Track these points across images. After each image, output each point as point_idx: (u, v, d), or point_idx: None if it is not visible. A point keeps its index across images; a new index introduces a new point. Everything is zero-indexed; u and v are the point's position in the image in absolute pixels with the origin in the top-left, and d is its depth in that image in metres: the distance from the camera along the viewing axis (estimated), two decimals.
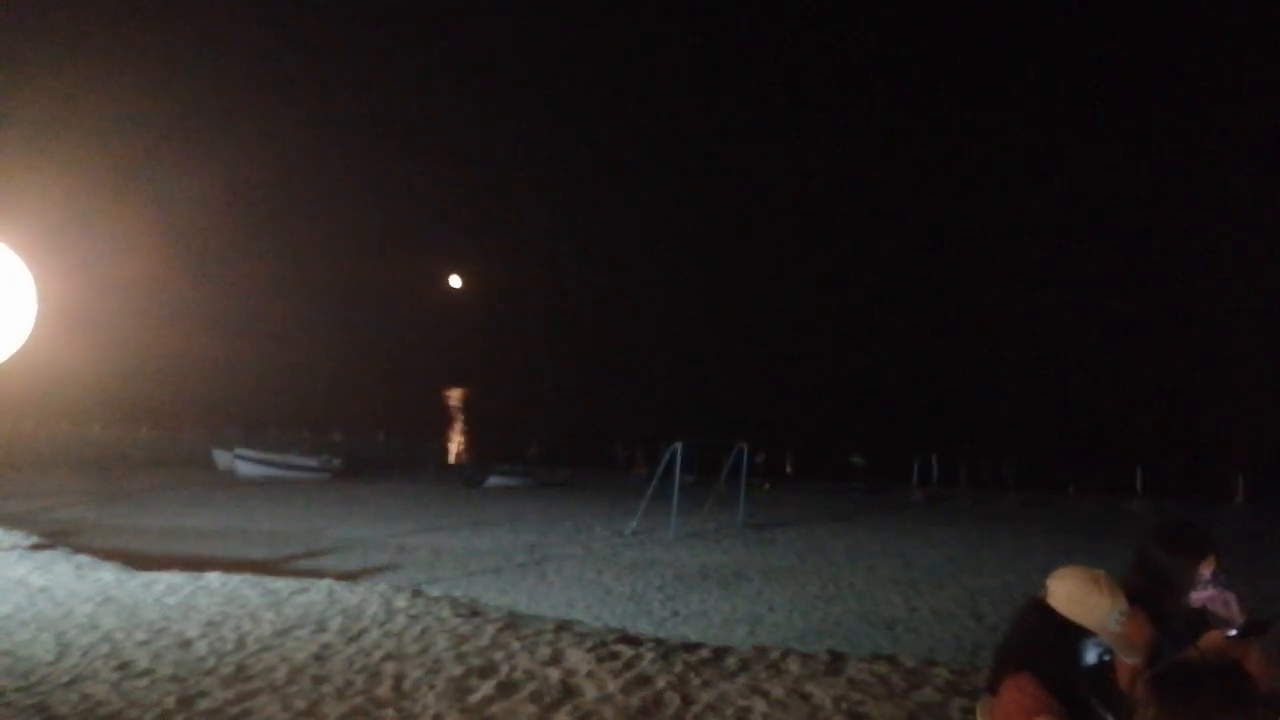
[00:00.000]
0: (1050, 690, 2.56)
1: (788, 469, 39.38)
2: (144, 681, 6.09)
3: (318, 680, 6.09)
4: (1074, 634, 2.60)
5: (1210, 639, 2.96)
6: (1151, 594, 3.15)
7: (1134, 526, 20.67)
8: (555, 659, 6.61)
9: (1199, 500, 28.87)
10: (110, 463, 33.79)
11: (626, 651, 6.83)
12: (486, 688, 5.88)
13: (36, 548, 11.59)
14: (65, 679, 6.17)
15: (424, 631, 7.43)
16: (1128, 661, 2.70)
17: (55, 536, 13.57)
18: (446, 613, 8.19)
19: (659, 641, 7.51)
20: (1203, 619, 3.21)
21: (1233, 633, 3.01)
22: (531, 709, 5.46)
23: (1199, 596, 3.26)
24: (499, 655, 6.70)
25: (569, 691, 5.84)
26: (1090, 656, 2.62)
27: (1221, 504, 28.38)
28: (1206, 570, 3.29)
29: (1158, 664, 2.61)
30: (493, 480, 29.94)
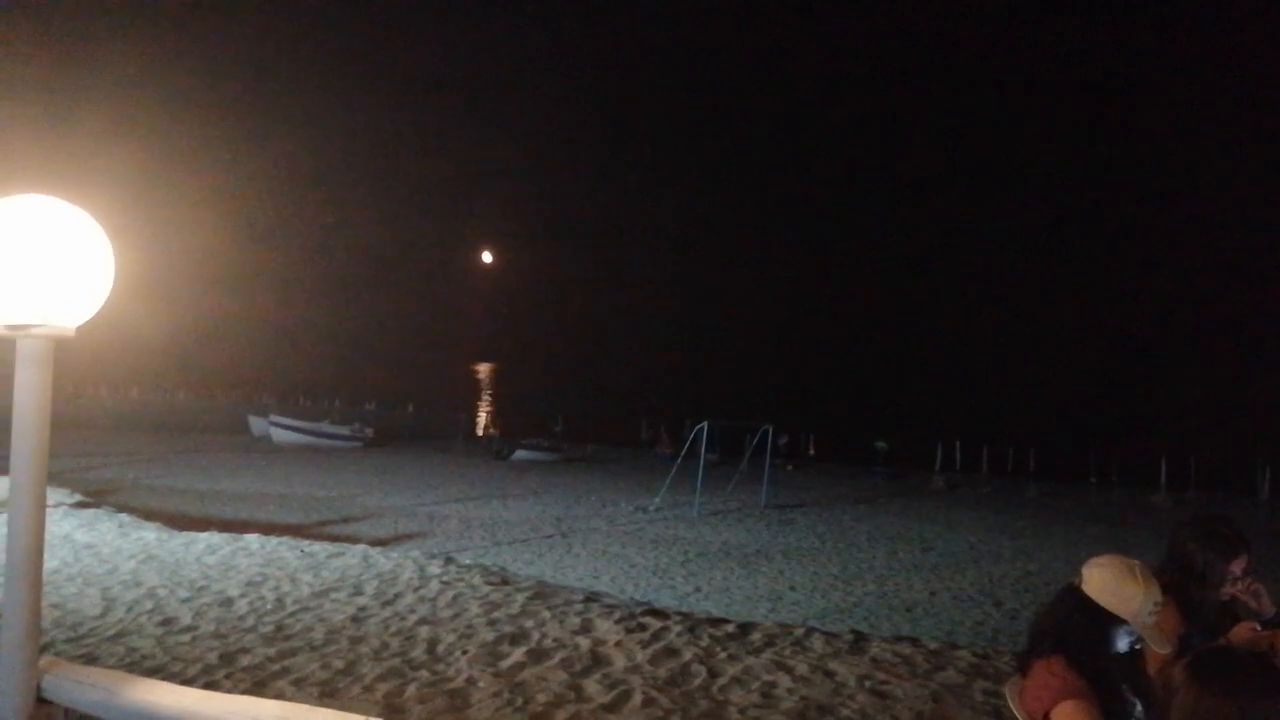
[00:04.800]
0: (1081, 674, 2.65)
1: (810, 451, 39.38)
2: (187, 637, 6.30)
3: (355, 641, 6.28)
4: (1107, 621, 2.68)
5: (1240, 631, 3.04)
6: (1182, 586, 3.23)
7: (1156, 519, 20.61)
8: (585, 628, 6.77)
9: (1223, 494, 28.64)
10: (147, 426, 34.37)
11: (654, 624, 6.98)
12: (518, 654, 6.05)
13: (80, 505, 11.93)
14: (111, 632, 6.40)
15: (456, 598, 7.62)
16: (1159, 651, 2.78)
17: (97, 495, 13.92)
18: (478, 580, 8.38)
19: (685, 615, 7.66)
20: (1232, 611, 3.29)
21: (1260, 625, 3.10)
22: (562, 675, 5.61)
23: (1228, 590, 3.34)
24: (529, 623, 6.87)
25: (598, 660, 6.00)
26: (1122, 644, 2.70)
27: (1246, 498, 28.15)
28: (1238, 567, 3.37)
29: (1187, 654, 2.69)
30: (520, 453, 30.19)
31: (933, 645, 6.89)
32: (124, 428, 32.56)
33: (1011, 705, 2.92)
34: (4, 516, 8.73)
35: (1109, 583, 2.69)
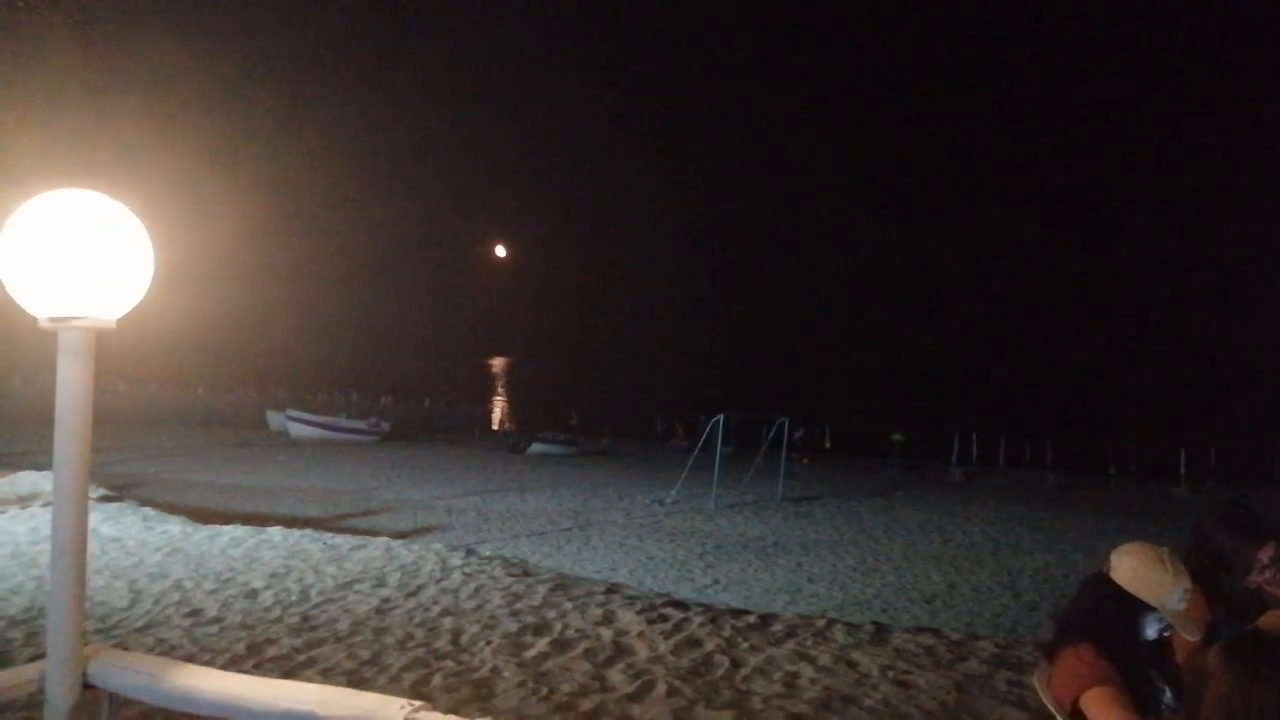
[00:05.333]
0: (1110, 661, 2.65)
1: (827, 444, 39.33)
2: (214, 629, 6.37)
3: (379, 632, 6.33)
4: (1135, 608, 2.68)
5: (1269, 618, 3.04)
6: (1209, 574, 3.23)
7: (1175, 511, 20.50)
8: (607, 619, 6.80)
9: (1241, 485, 28.43)
10: (166, 420, 34.67)
11: (675, 614, 7.01)
12: (541, 644, 6.08)
13: (105, 499, 12.07)
14: (140, 623, 6.48)
15: (479, 589, 7.67)
16: (1188, 639, 2.78)
17: (120, 489, 14.06)
18: (500, 572, 8.43)
19: (706, 606, 7.69)
20: (1259, 599, 3.29)
21: None
22: (586, 666, 5.65)
23: (1256, 578, 3.34)
24: (552, 614, 6.91)
25: (621, 650, 6.03)
26: (1150, 631, 2.70)
27: (1265, 489, 27.95)
28: (1265, 555, 3.36)
29: (1216, 642, 2.69)
30: (536, 447, 30.29)
31: (954, 636, 6.88)
32: (144, 422, 32.83)
33: (1040, 693, 2.93)
34: (33, 509, 8.77)
35: (1138, 570, 2.69)
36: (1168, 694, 2.71)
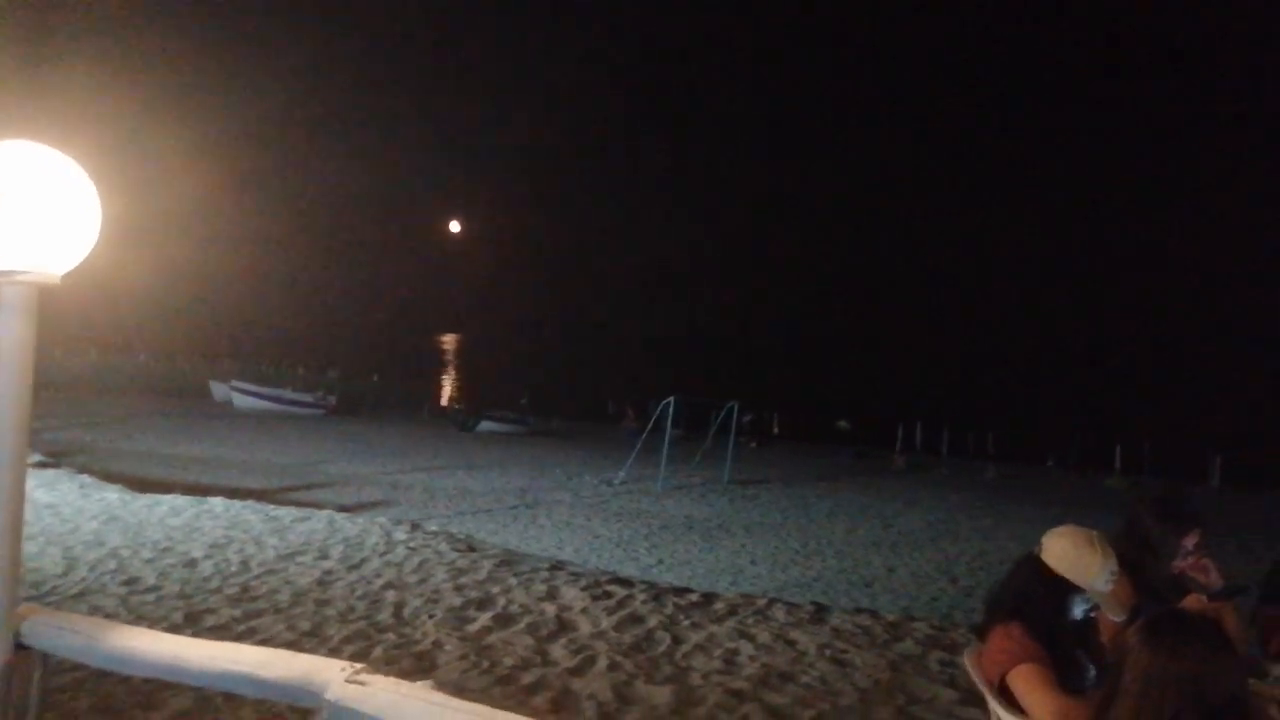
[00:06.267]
0: (1037, 640, 2.74)
1: (775, 429, 39.70)
2: (151, 597, 6.28)
3: (321, 604, 6.29)
4: (1064, 589, 2.78)
5: (1189, 603, 3.16)
6: (1136, 559, 3.35)
7: (1111, 502, 21.05)
8: (551, 595, 6.83)
9: (1175, 480, 29.29)
10: (107, 388, 33.87)
11: (619, 591, 7.06)
12: (484, 619, 6.09)
13: (41, 465, 11.79)
14: (74, 591, 6.36)
15: (423, 563, 7.65)
16: (1114, 619, 2.88)
17: (57, 456, 13.73)
18: (444, 547, 8.41)
19: (649, 584, 7.76)
20: (1182, 585, 3.42)
21: (1208, 598, 3.22)
22: (528, 640, 5.67)
23: (1180, 564, 3.47)
24: (496, 589, 6.92)
25: (564, 626, 6.06)
26: (1077, 611, 2.80)
27: (1197, 485, 28.83)
28: (1190, 542, 3.50)
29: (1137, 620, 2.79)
30: (485, 425, 30.16)
31: (891, 617, 7.03)
32: (83, 388, 32.05)
33: (970, 670, 3.02)
34: None
35: (1068, 551, 2.78)
36: (1092, 671, 2.81)
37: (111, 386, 34.88)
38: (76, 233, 1.77)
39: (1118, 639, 2.88)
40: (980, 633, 2.99)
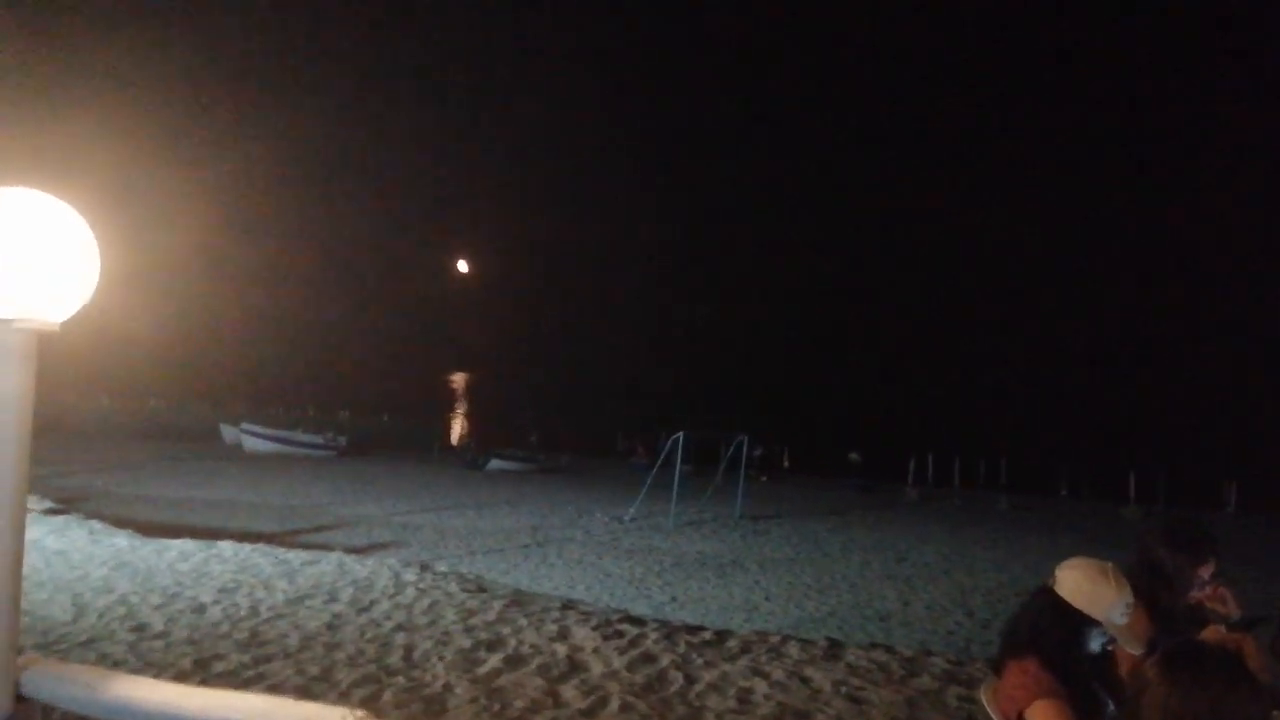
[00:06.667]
0: (1054, 675, 2.68)
1: (785, 463, 39.48)
2: (160, 644, 6.24)
3: (330, 648, 6.24)
4: (1080, 622, 2.72)
5: (1208, 634, 3.10)
6: (1151, 590, 3.28)
7: (1126, 532, 20.83)
8: (561, 635, 6.77)
9: (1191, 507, 28.98)
10: (117, 432, 33.97)
11: (631, 630, 6.99)
12: (495, 660, 6.04)
13: (51, 512, 11.79)
14: (83, 638, 6.32)
15: (433, 605, 7.60)
16: (1132, 652, 2.82)
17: (67, 502, 13.73)
18: (454, 588, 8.35)
19: (662, 622, 7.68)
20: (1200, 615, 3.36)
21: (1227, 628, 3.16)
22: (539, 682, 5.61)
23: (1197, 594, 3.41)
24: (506, 630, 6.86)
25: (575, 666, 6.00)
26: (1094, 645, 2.74)
27: (1213, 511, 28.53)
28: (1205, 572, 3.44)
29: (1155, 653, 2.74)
30: (495, 463, 30.07)
31: (907, 652, 6.94)
32: (93, 434, 32.13)
33: (986, 706, 2.96)
34: None
35: (1082, 583, 2.73)
36: (1111, 707, 2.74)
37: (122, 431, 34.97)
38: (75, 280, 1.77)
39: (1135, 672, 2.82)
40: (996, 667, 2.94)
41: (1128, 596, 2.72)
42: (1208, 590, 3.43)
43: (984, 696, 3.00)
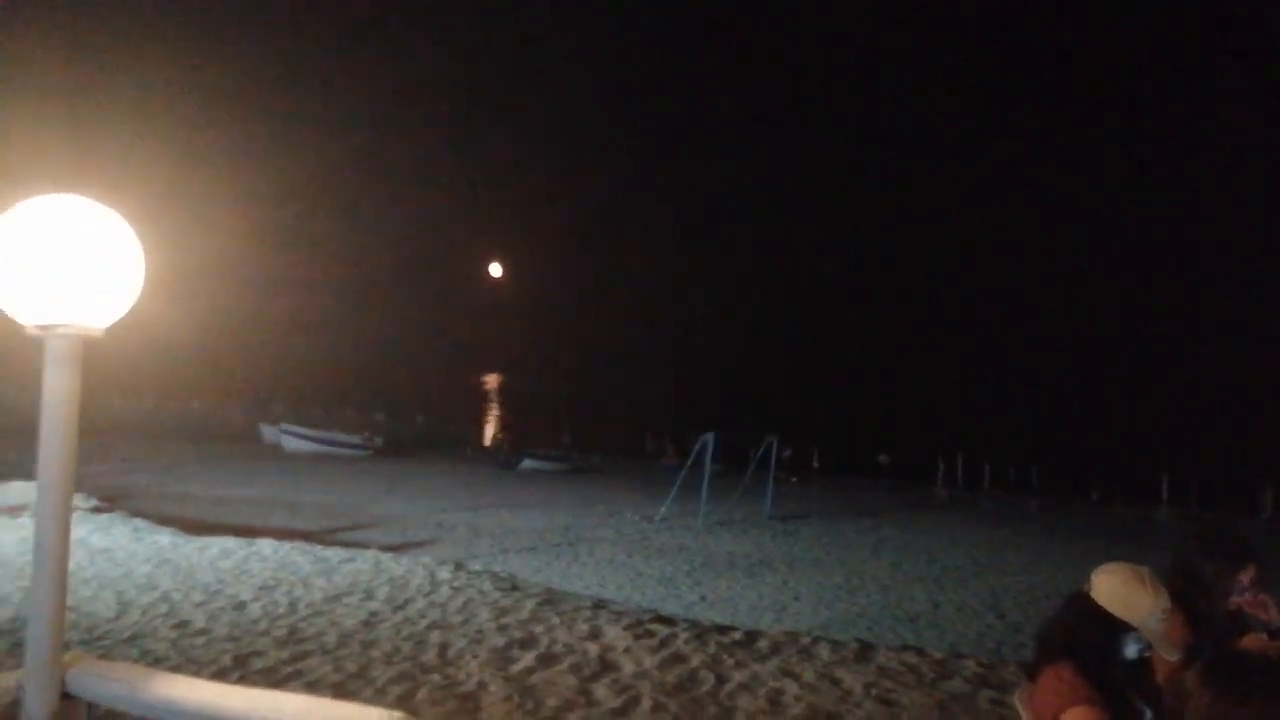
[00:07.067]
0: (1090, 681, 2.66)
1: (815, 464, 39.30)
2: (201, 640, 6.35)
3: (366, 645, 6.32)
4: (1115, 628, 2.69)
5: (1249, 641, 3.06)
6: (1190, 597, 3.24)
7: (1159, 535, 20.53)
8: (593, 634, 6.80)
9: (1224, 511, 28.50)
10: (160, 432, 34.55)
11: (662, 630, 7.01)
12: (528, 658, 6.08)
13: (96, 510, 12.04)
14: (126, 635, 6.45)
15: (467, 603, 7.66)
16: (1168, 658, 2.79)
17: (111, 501, 13.99)
18: (488, 586, 8.42)
19: (692, 622, 7.69)
20: (1240, 622, 3.31)
21: (1269, 635, 3.11)
22: (571, 680, 5.64)
23: (1236, 600, 3.36)
24: (539, 628, 6.90)
25: (607, 665, 6.02)
26: (1130, 651, 2.71)
27: (1249, 516, 28.02)
28: (1245, 578, 3.39)
29: (1196, 663, 2.71)
30: (527, 463, 30.21)
31: (938, 655, 6.89)
32: (137, 433, 32.68)
33: (1021, 711, 2.94)
34: (23, 519, 8.71)
35: (1118, 589, 2.70)
36: (1148, 714, 2.71)
37: (166, 431, 35.54)
38: (120, 286, 1.80)
39: (1173, 679, 2.79)
40: (1030, 672, 2.92)
41: (1164, 602, 2.69)
42: (1248, 596, 3.38)
43: (1018, 702, 2.98)
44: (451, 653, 6.17)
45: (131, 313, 1.87)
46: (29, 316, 1.69)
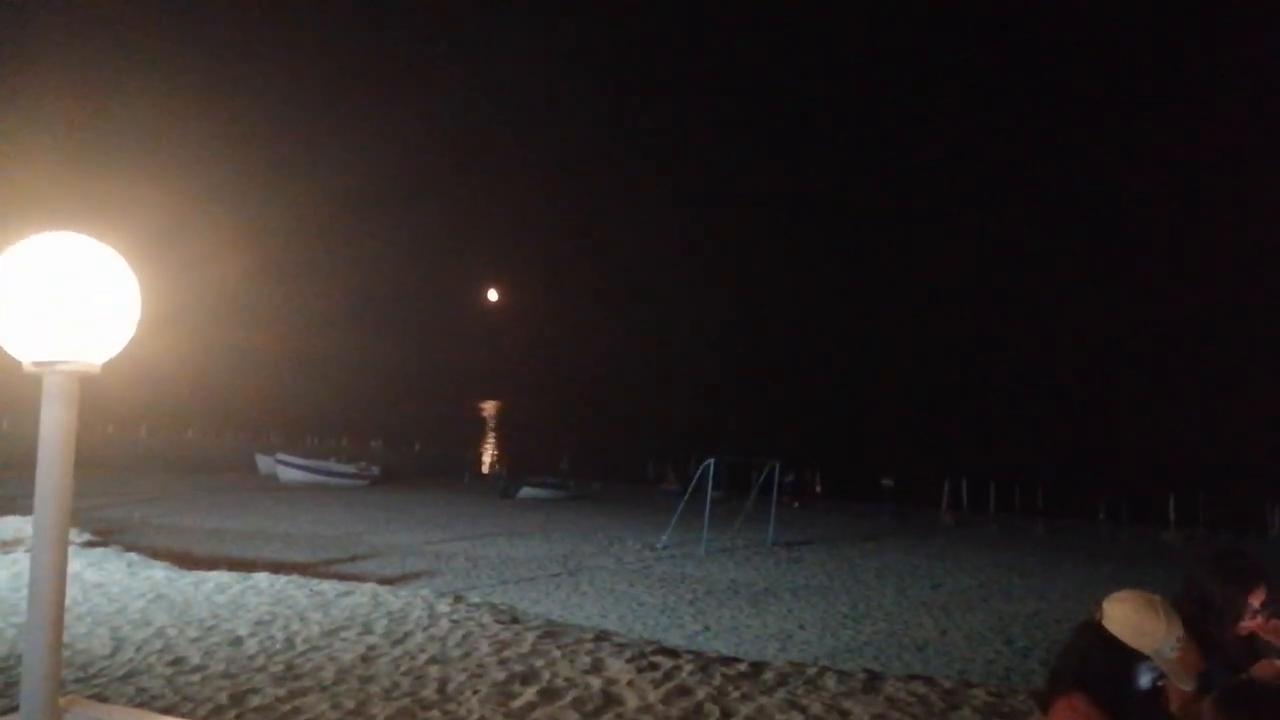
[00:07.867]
0: (1103, 711, 2.61)
1: (817, 488, 39.18)
2: (197, 677, 6.26)
3: (365, 681, 6.23)
4: (1128, 657, 2.65)
5: (1262, 666, 3.01)
6: (1200, 622, 3.20)
7: (1167, 556, 20.43)
8: (596, 668, 6.71)
9: (1232, 531, 28.40)
10: (155, 464, 34.41)
11: (665, 662, 6.92)
12: (529, 693, 6.00)
13: (89, 545, 11.93)
14: (121, 672, 6.36)
15: (466, 636, 7.57)
16: (1182, 688, 2.74)
17: (105, 535, 13.89)
18: (488, 619, 8.33)
19: (696, 654, 7.60)
20: (1252, 647, 3.26)
21: None
22: (574, 716, 5.56)
23: (1248, 625, 3.31)
24: (540, 662, 6.82)
25: (610, 700, 5.94)
26: (1144, 680, 2.66)
27: (1255, 535, 27.92)
28: (1256, 600, 3.34)
29: (1211, 690, 2.66)
30: (526, 491, 30.11)
31: (947, 684, 6.81)
32: (131, 466, 32.54)
33: None
34: (16, 555, 8.61)
35: (1130, 618, 2.66)
36: None
37: (160, 463, 35.40)
38: (117, 323, 1.79)
39: (1187, 709, 2.75)
40: (1043, 703, 2.87)
41: (1178, 630, 2.64)
42: (1259, 620, 3.34)
43: None
44: (451, 688, 6.09)
45: (127, 346, 1.86)
46: (27, 353, 1.68)
